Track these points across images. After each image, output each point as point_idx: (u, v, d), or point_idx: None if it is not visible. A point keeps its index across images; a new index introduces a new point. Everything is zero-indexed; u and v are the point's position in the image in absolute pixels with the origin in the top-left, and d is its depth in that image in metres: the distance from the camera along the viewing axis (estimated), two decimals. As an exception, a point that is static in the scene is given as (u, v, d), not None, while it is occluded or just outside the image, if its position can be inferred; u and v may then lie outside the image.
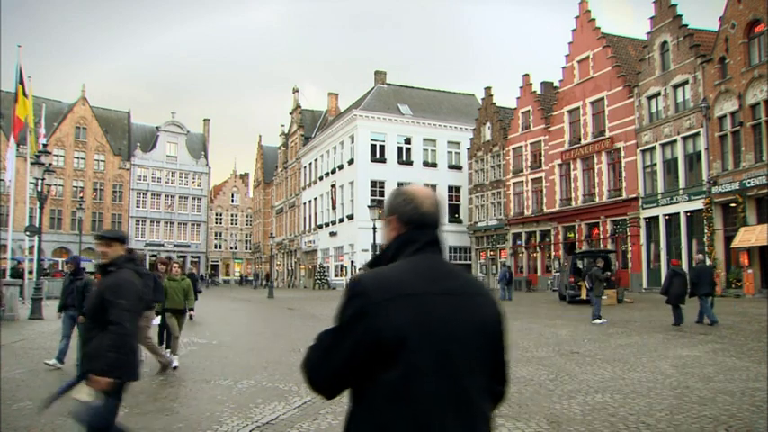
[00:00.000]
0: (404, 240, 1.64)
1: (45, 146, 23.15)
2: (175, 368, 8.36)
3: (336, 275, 43.95)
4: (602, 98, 30.12)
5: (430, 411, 1.46)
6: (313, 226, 50.04)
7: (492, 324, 1.63)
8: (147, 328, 7.92)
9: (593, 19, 31.27)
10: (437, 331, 1.49)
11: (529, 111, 35.86)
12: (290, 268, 58.17)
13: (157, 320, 9.39)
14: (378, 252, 1.72)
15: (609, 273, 19.14)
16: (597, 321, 14.17)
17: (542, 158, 34.31)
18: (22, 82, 22.11)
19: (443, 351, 1.49)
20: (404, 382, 1.45)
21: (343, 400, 1.65)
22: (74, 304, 8.18)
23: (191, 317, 9.06)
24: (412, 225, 1.65)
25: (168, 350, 9.46)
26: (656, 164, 26.79)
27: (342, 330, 1.52)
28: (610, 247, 28.74)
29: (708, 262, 22.07)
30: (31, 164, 18.67)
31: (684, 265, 21.23)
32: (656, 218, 26.68)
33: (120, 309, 3.52)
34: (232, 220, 75.91)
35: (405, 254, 1.62)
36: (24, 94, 22.44)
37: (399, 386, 1.45)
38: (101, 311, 3.55)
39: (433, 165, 42.67)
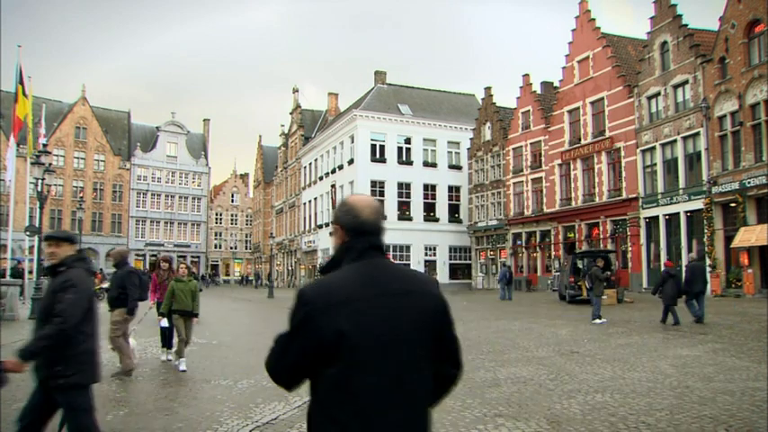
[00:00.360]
0: (346, 247, 1.82)
1: (45, 146, 23.13)
2: (184, 371, 8.30)
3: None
4: (602, 98, 30.10)
5: (371, 403, 1.66)
6: (313, 226, 50.04)
7: (433, 317, 1.80)
8: (124, 325, 7.82)
9: (594, 19, 31.26)
10: (374, 331, 1.67)
11: (529, 111, 35.84)
12: (290, 268, 58.15)
13: (164, 323, 9.33)
14: (330, 258, 1.89)
15: (609, 273, 19.15)
16: (597, 321, 14.19)
17: (542, 158, 34.30)
18: (21, 82, 22.12)
19: (381, 348, 1.68)
20: (346, 378, 1.65)
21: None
22: None
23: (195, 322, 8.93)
24: (352, 233, 1.82)
25: (168, 350, 9.45)
26: (656, 164, 26.77)
27: (292, 335, 1.73)
28: (610, 246, 28.72)
29: (708, 261, 22.20)
30: (31, 164, 18.65)
31: (684, 266, 21.25)
32: (656, 218, 26.67)
33: (65, 303, 3.48)
34: (232, 220, 75.87)
35: (347, 260, 1.79)
36: (24, 94, 22.44)
37: (342, 381, 1.66)
38: (52, 311, 3.52)
39: (433, 165, 42.64)
